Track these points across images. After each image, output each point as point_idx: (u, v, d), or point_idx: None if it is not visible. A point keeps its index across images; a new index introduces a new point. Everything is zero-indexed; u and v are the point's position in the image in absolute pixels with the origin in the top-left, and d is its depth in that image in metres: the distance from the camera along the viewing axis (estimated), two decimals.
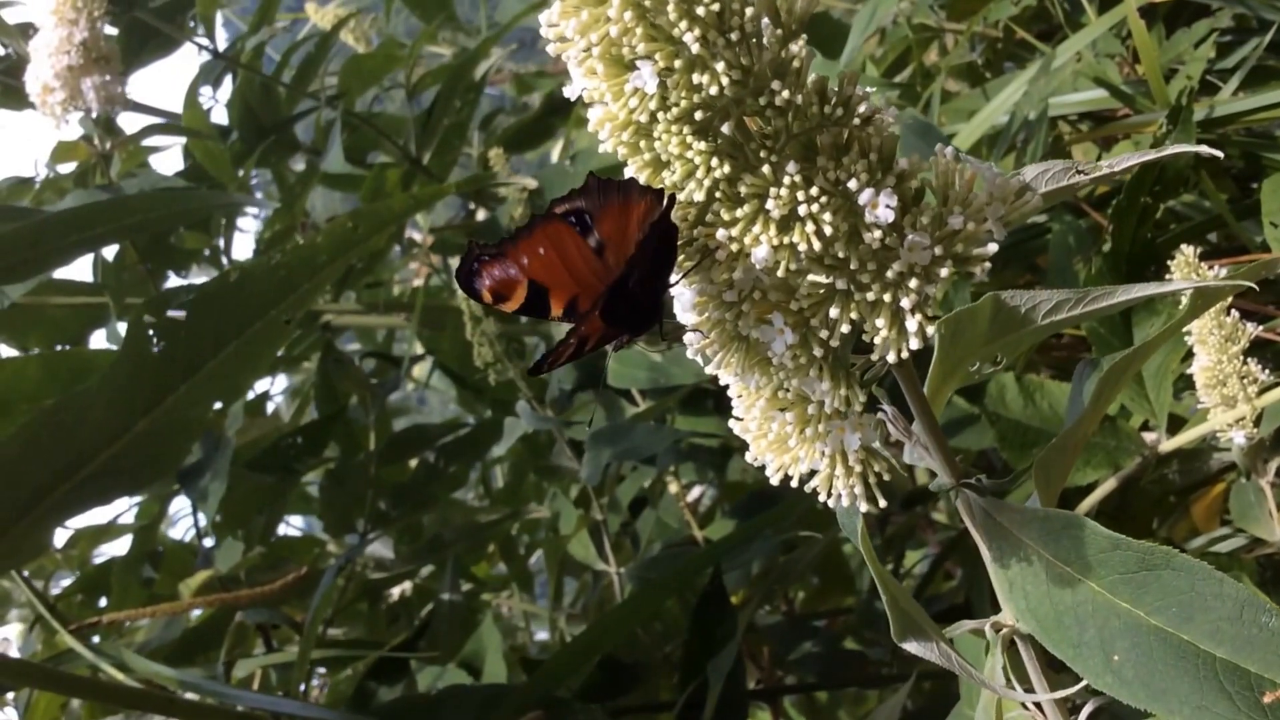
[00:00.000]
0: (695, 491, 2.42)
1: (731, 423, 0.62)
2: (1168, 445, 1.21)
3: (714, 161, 0.51)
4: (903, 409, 0.61)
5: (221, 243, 2.31)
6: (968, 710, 0.80)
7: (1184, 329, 1.09)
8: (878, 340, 0.53)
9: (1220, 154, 0.58)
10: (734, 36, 0.49)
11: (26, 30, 1.86)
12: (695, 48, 0.49)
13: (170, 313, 1.17)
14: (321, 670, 2.13)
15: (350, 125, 2.42)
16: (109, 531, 2.14)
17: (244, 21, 2.61)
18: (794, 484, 0.60)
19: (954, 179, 0.54)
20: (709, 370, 0.58)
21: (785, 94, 0.51)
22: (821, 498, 0.61)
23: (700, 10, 0.48)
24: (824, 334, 0.54)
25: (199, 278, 2.39)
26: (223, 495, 1.71)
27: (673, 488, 2.10)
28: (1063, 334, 1.61)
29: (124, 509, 2.17)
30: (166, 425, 1.15)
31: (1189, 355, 1.13)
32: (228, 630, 1.76)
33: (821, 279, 0.54)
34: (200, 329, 1.15)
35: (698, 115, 0.51)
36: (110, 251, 2.00)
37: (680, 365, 1.76)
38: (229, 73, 2.36)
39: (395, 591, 2.43)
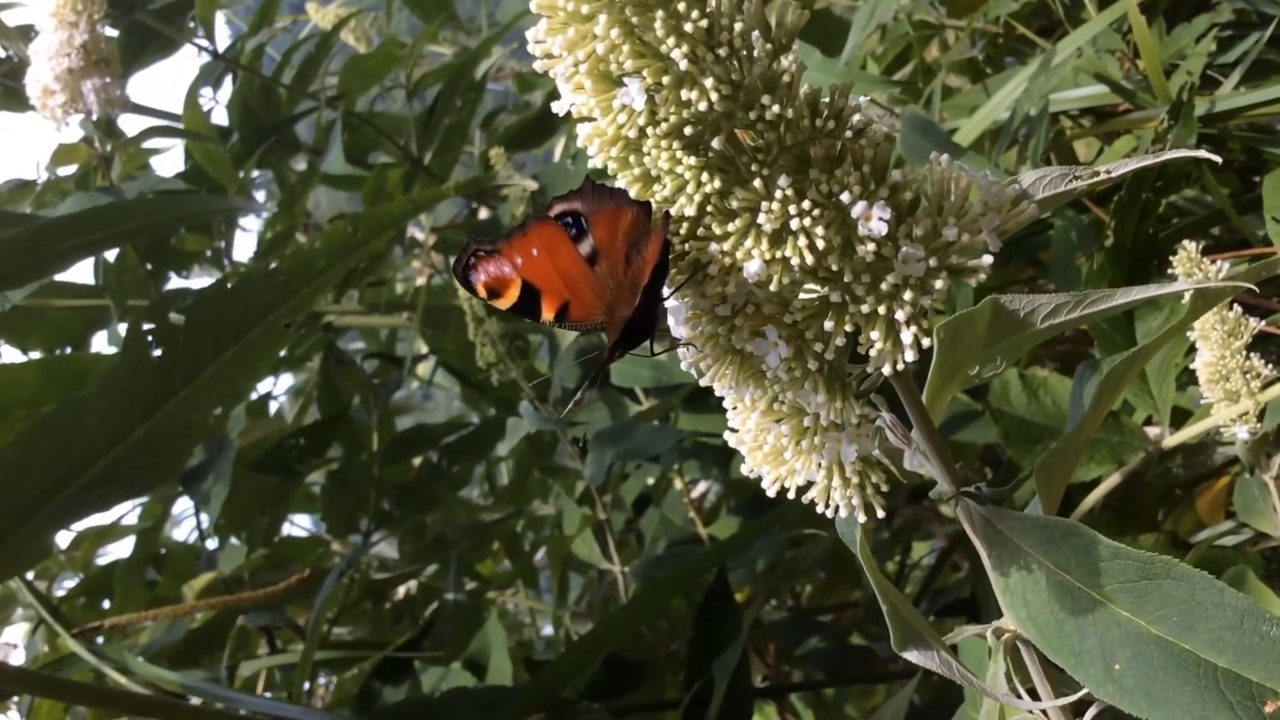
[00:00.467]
0: (700, 487, 2.42)
1: (727, 434, 0.62)
2: (1171, 440, 1.21)
3: (704, 176, 0.51)
4: (901, 416, 0.61)
5: (223, 244, 2.31)
6: (972, 712, 0.80)
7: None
8: (873, 353, 0.53)
9: (1219, 159, 0.57)
10: (723, 52, 0.49)
11: (27, 33, 1.86)
12: (683, 64, 0.48)
13: (170, 317, 1.17)
14: (327, 671, 2.13)
15: (351, 125, 2.42)
16: (112, 533, 2.14)
17: (244, 22, 2.61)
18: (791, 495, 0.60)
19: (949, 188, 0.54)
20: (703, 383, 0.58)
21: (776, 108, 0.50)
22: (819, 509, 0.61)
23: (688, 26, 0.48)
24: (819, 347, 0.54)
25: (201, 279, 2.40)
26: (225, 497, 1.71)
27: (677, 485, 2.10)
28: None
29: (127, 511, 2.17)
30: (165, 431, 1.14)
31: (1192, 350, 1.13)
32: (231, 632, 1.76)
33: (815, 292, 0.53)
34: (199, 334, 1.15)
35: (687, 130, 0.50)
36: (111, 253, 2.00)
37: None
38: (229, 73, 2.36)
39: (400, 591, 2.42)
